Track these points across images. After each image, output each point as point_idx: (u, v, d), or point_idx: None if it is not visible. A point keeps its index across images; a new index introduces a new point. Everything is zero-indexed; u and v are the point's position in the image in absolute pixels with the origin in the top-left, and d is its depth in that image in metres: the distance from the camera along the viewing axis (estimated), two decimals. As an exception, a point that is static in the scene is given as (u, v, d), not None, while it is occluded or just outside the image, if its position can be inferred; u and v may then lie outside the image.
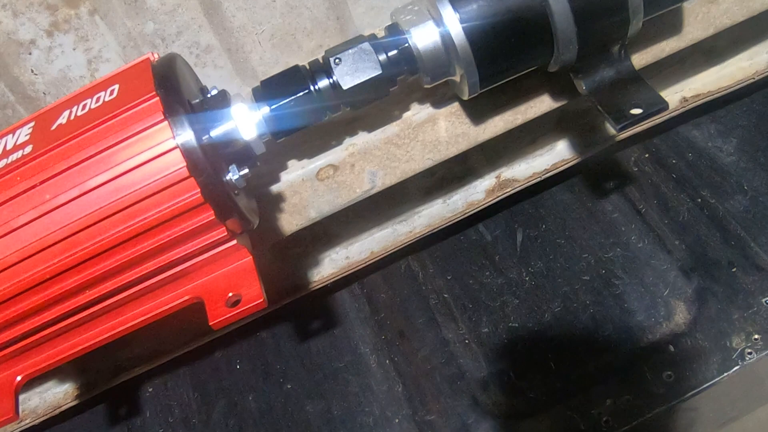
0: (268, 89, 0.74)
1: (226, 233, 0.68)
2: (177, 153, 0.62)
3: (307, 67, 0.76)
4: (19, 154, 0.65)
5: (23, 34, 0.80)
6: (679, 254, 1.08)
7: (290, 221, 0.91)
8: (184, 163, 0.62)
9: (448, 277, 1.15)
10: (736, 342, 0.98)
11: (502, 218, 1.20)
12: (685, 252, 1.08)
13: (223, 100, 0.71)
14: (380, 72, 0.73)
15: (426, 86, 0.78)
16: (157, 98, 0.63)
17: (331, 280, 1.11)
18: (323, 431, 1.05)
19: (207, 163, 0.63)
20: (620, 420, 0.95)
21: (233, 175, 0.68)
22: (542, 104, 0.90)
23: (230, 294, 0.71)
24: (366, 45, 0.74)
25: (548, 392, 1.00)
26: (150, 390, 1.16)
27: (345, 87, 0.73)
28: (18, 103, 0.86)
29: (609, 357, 1.01)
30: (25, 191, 0.63)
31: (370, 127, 0.88)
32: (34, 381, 1.04)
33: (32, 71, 0.84)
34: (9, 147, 0.67)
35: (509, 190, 1.11)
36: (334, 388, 1.09)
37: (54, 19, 0.80)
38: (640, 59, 0.90)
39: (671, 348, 0.99)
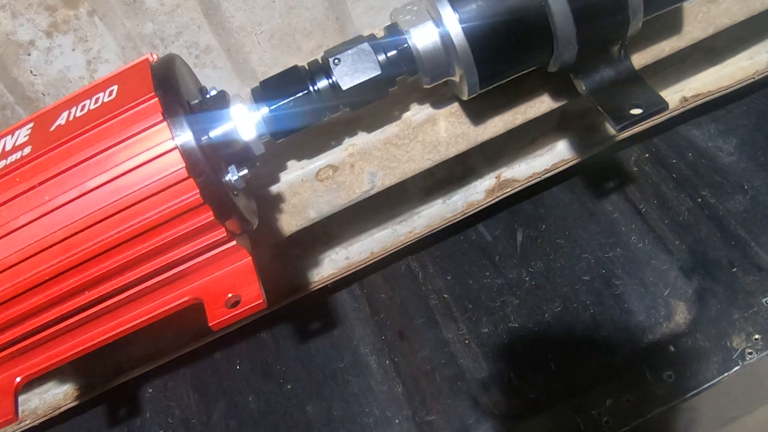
0: (268, 90, 0.74)
1: (225, 234, 0.68)
2: (176, 154, 0.62)
3: (307, 67, 0.76)
4: (18, 155, 0.65)
5: (22, 34, 0.80)
6: (680, 254, 1.08)
7: (290, 222, 0.90)
8: (183, 164, 0.62)
9: (448, 278, 1.15)
10: (736, 342, 0.97)
11: (502, 218, 1.20)
12: (686, 252, 1.08)
13: (222, 100, 0.71)
14: (379, 72, 0.73)
15: (425, 87, 0.78)
16: (156, 99, 0.63)
17: (331, 281, 1.11)
18: (323, 432, 1.05)
19: (206, 163, 0.63)
20: (620, 420, 0.95)
21: (232, 175, 0.68)
22: (542, 104, 0.90)
23: (230, 295, 0.71)
24: (365, 45, 0.73)
25: (548, 392, 1.00)
26: (150, 391, 1.15)
27: (344, 87, 0.73)
28: (17, 104, 0.86)
29: (609, 357, 1.01)
30: (24, 192, 0.63)
31: (370, 128, 0.88)
32: (33, 382, 1.04)
33: (31, 72, 0.84)
34: (8, 148, 0.66)
35: (509, 190, 1.11)
36: (334, 388, 1.08)
37: (53, 19, 0.80)
38: (640, 59, 0.90)
39: (671, 348, 0.99)
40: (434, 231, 1.12)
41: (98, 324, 0.73)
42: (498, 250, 1.16)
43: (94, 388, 1.07)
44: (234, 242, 0.70)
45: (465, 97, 0.78)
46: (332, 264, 1.11)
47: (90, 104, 0.66)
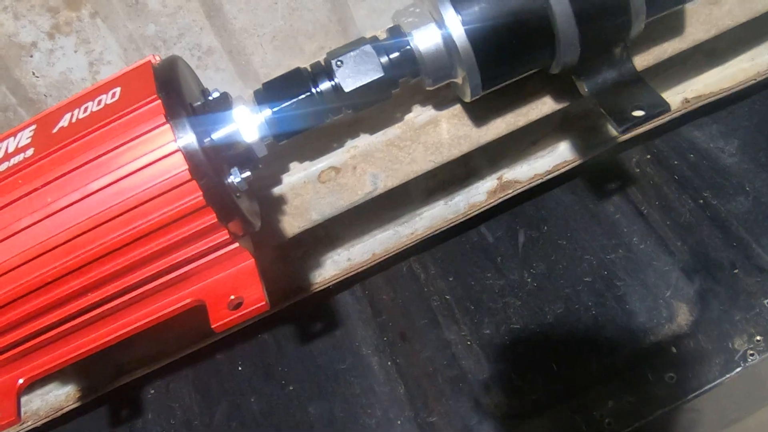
0: (270, 92, 0.74)
1: (228, 236, 0.68)
2: (179, 156, 0.62)
3: (309, 69, 0.76)
4: (21, 157, 0.65)
5: (24, 36, 0.80)
6: (681, 255, 1.08)
7: (292, 223, 0.90)
8: (186, 166, 0.62)
9: (450, 279, 1.15)
10: (738, 343, 0.97)
11: (503, 220, 1.20)
12: (687, 253, 1.08)
13: (224, 102, 0.71)
14: (382, 74, 0.73)
15: (428, 88, 0.78)
16: (159, 101, 0.63)
17: (333, 282, 1.11)
18: (325, 433, 1.05)
19: (209, 166, 0.63)
20: (622, 421, 0.95)
21: (235, 177, 0.68)
22: (544, 106, 0.90)
23: (232, 297, 0.71)
24: (368, 47, 0.73)
25: (550, 394, 1.00)
26: (152, 392, 1.15)
27: (347, 89, 0.73)
28: (19, 106, 0.86)
29: (611, 358, 1.01)
30: (26, 194, 0.63)
31: (372, 130, 0.88)
32: (36, 383, 1.04)
33: (33, 74, 0.84)
34: (11, 150, 0.66)
35: (511, 192, 1.11)
36: (336, 389, 1.08)
37: (55, 21, 0.80)
38: (642, 61, 0.90)
39: (673, 349, 0.99)
40: (436, 232, 1.12)
41: (101, 326, 0.73)
42: (500, 252, 1.16)
43: (96, 390, 1.07)
44: (237, 244, 0.70)
45: (467, 99, 0.78)
46: (334, 265, 1.11)
47: (92, 106, 0.66)
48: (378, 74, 0.73)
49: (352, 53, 0.73)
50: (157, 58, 0.71)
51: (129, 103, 0.64)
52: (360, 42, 0.75)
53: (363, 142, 0.87)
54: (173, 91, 0.65)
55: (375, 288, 1.18)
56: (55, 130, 0.66)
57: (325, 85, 0.74)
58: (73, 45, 0.83)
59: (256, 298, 0.69)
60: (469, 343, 1.08)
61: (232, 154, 0.70)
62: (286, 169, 0.88)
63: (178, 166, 0.62)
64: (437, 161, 0.90)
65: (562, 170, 1.11)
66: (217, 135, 0.68)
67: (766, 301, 1.00)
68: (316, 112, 0.75)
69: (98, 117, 0.64)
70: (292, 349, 1.15)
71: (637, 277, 1.07)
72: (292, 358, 1.13)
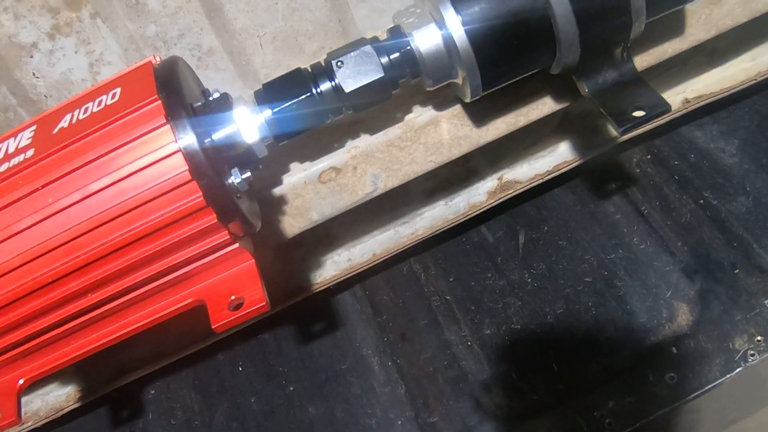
0: (270, 92, 0.74)
1: (228, 236, 0.68)
2: (179, 156, 0.62)
3: (309, 69, 0.76)
4: (21, 157, 0.65)
5: (25, 37, 0.80)
6: (682, 256, 1.08)
7: (292, 224, 0.90)
8: (186, 167, 0.62)
9: (451, 279, 1.15)
10: (738, 344, 0.97)
11: (504, 220, 1.20)
12: (688, 253, 1.08)
13: (225, 103, 0.71)
14: (382, 75, 0.73)
15: (428, 89, 0.78)
16: (159, 101, 0.63)
17: (334, 282, 1.11)
18: (325, 433, 1.05)
19: (209, 166, 0.63)
20: (622, 422, 0.95)
21: (235, 178, 0.68)
22: (544, 106, 0.90)
23: (233, 297, 0.71)
24: (368, 48, 0.73)
25: (550, 394, 1.00)
26: (152, 392, 1.16)
27: (347, 90, 0.73)
28: (19, 106, 0.86)
29: (611, 359, 1.01)
30: (27, 195, 0.63)
31: (372, 130, 0.88)
32: (36, 384, 1.04)
33: (34, 74, 0.84)
34: (11, 150, 0.66)
35: (511, 192, 1.11)
36: (337, 390, 1.08)
37: (56, 22, 0.80)
38: (642, 61, 0.90)
39: (674, 350, 0.99)
40: (436, 232, 1.12)
41: (101, 326, 0.73)
42: (500, 252, 1.16)
43: (97, 390, 1.07)
44: (237, 245, 0.70)
45: (468, 100, 0.78)
46: (334, 266, 1.11)
47: (93, 107, 0.66)
48: (378, 75, 0.73)
49: (352, 54, 0.73)
50: (158, 59, 0.71)
51: (129, 103, 0.64)
52: (360, 42, 0.75)
53: (363, 142, 0.87)
54: (173, 91, 0.65)
55: (375, 288, 1.18)
56: (55, 131, 0.66)
57: (325, 86, 0.74)
58: (73, 45, 0.83)
59: (256, 299, 0.69)
60: (469, 343, 1.08)
61: (232, 154, 0.70)
62: (286, 170, 0.88)
63: (179, 166, 0.62)
64: (437, 161, 0.90)
65: (563, 170, 1.11)
66: (218, 135, 0.68)
67: (766, 302, 1.00)
68: (316, 112, 0.75)
69: (98, 117, 0.64)
70: (292, 349, 1.15)
71: (638, 278, 1.07)
72: (293, 358, 1.13)
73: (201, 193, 0.63)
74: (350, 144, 0.88)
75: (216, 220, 0.65)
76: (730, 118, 1.21)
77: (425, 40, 0.72)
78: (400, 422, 1.03)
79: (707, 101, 1.11)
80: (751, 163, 1.14)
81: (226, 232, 0.67)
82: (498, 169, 1.11)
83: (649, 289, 1.06)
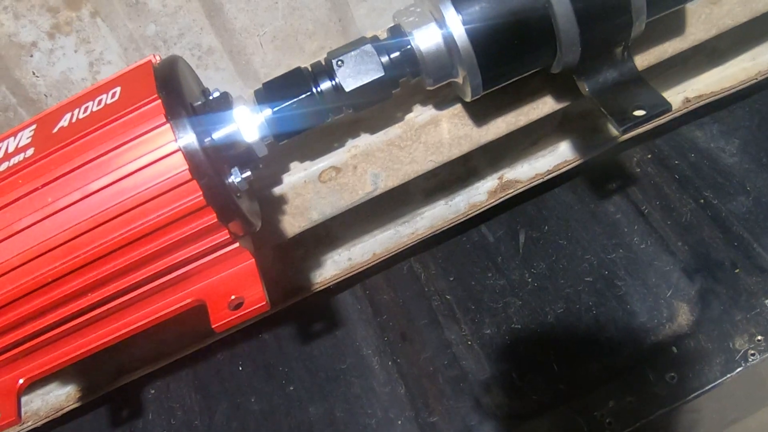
0: (270, 91, 0.74)
1: (228, 236, 0.67)
2: (179, 156, 0.62)
3: (310, 69, 0.76)
4: (21, 157, 0.65)
5: (25, 36, 0.80)
6: (682, 255, 1.08)
7: (292, 223, 0.90)
8: (186, 166, 0.62)
9: (451, 279, 1.15)
10: (739, 343, 0.97)
11: (504, 219, 1.20)
12: (688, 253, 1.08)
13: (225, 102, 0.71)
14: (383, 74, 0.73)
15: (428, 88, 0.78)
16: (159, 101, 0.63)
17: (334, 282, 1.10)
18: (326, 433, 1.05)
19: (209, 165, 0.63)
20: (623, 421, 0.95)
21: (235, 177, 0.68)
22: (545, 106, 0.89)
23: (233, 297, 0.71)
24: (368, 47, 0.73)
25: (551, 394, 1.00)
26: (152, 392, 1.15)
27: (347, 89, 0.73)
28: (19, 106, 0.86)
29: (612, 358, 1.00)
30: (27, 194, 0.63)
31: (373, 129, 0.87)
32: (36, 383, 1.04)
33: (34, 73, 0.84)
34: (11, 150, 0.66)
35: (512, 192, 1.11)
36: (337, 389, 1.08)
37: (55, 21, 0.80)
38: (642, 60, 0.90)
39: (674, 349, 0.99)
40: (437, 232, 1.12)
41: (101, 326, 0.73)
42: (500, 252, 1.16)
43: (97, 390, 1.07)
44: (237, 244, 0.70)
45: (468, 99, 0.78)
46: (335, 265, 1.11)
47: (93, 106, 0.66)
48: (378, 74, 0.73)
49: (352, 53, 0.73)
50: (158, 58, 0.71)
51: (129, 102, 0.64)
52: (360, 41, 0.74)
53: (363, 141, 0.87)
54: (173, 90, 0.65)
55: (375, 288, 1.18)
56: (55, 130, 0.66)
57: (325, 85, 0.73)
58: (73, 45, 0.83)
59: (256, 298, 0.69)
60: (469, 343, 1.08)
61: (232, 153, 0.70)
62: (286, 169, 0.88)
63: (179, 165, 0.62)
64: (438, 161, 0.90)
65: (563, 170, 1.11)
66: (218, 135, 0.68)
67: (766, 301, 1.00)
68: (316, 111, 0.74)
69: (98, 117, 0.64)
70: (292, 349, 1.15)
71: (638, 277, 1.07)
72: (293, 358, 1.13)
73: (201, 193, 0.63)
74: (350, 143, 0.88)
75: (216, 220, 0.65)
76: (730, 117, 1.21)
77: (425, 39, 0.72)
78: (400, 422, 1.03)
79: (708, 101, 1.11)
80: (752, 163, 1.14)
81: (226, 231, 0.67)
82: (498, 169, 1.11)
83: (650, 288, 1.06)
